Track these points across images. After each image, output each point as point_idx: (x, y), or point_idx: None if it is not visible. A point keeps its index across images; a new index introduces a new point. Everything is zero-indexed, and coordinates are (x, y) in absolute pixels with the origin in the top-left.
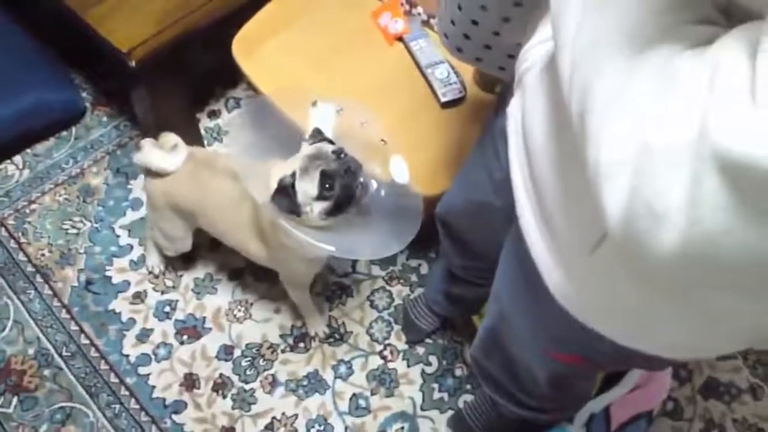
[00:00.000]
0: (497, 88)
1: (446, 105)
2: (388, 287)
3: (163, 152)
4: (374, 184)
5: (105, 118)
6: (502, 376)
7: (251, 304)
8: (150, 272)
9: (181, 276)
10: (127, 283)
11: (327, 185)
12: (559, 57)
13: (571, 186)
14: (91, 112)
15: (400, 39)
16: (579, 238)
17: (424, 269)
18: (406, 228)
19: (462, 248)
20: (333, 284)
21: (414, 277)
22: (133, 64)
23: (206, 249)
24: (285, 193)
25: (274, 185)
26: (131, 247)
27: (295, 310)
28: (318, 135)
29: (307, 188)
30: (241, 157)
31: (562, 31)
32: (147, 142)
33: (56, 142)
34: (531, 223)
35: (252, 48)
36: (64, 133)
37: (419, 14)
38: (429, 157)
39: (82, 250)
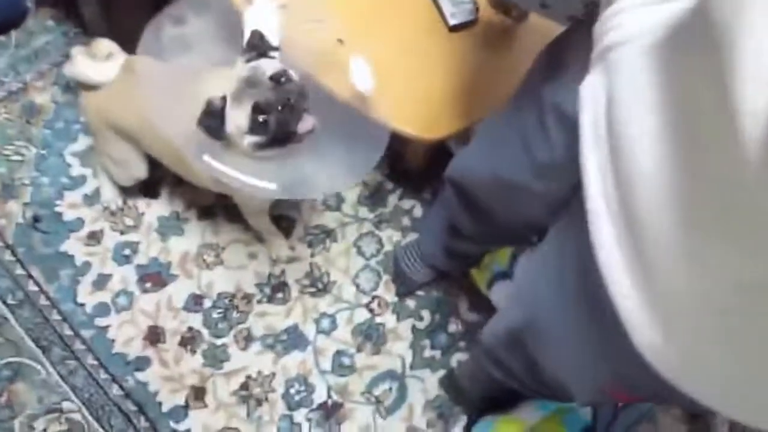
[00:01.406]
0: (515, 11)
1: (455, 28)
2: (377, 232)
3: (95, 62)
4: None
5: (50, 23)
6: (522, 372)
7: (223, 249)
8: (106, 208)
9: (142, 214)
10: (81, 221)
11: (260, 120)
12: None
13: (703, 224)
14: (34, 15)
15: None
16: (704, 294)
17: (418, 212)
18: (365, 156)
19: (477, 215)
20: (315, 227)
21: (406, 221)
22: None
23: (172, 183)
24: (212, 117)
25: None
26: (84, 178)
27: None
28: (257, 45)
29: (237, 118)
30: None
31: None
32: (77, 51)
33: None
34: (614, 255)
35: None
36: (2, 38)
37: None
38: (432, 92)
39: (27, 181)
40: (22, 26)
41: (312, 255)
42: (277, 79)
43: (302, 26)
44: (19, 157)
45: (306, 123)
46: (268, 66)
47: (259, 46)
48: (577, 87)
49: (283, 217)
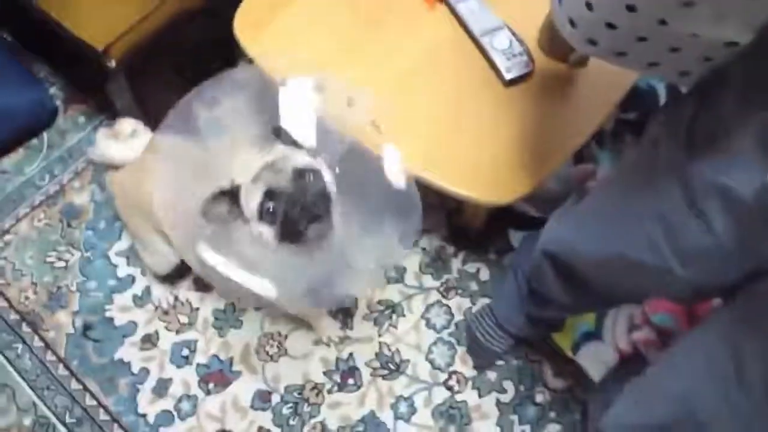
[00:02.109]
0: (573, 57)
1: (511, 83)
2: (444, 300)
3: (119, 141)
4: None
5: (82, 119)
6: None
7: (285, 337)
8: (158, 307)
9: (197, 309)
10: (134, 325)
11: (268, 208)
12: None
13: None
14: (64, 112)
15: (442, 0)
16: None
17: (485, 274)
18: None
19: (579, 288)
20: (378, 303)
21: (474, 285)
22: (112, 64)
23: None
24: (225, 198)
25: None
26: (132, 278)
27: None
28: (280, 136)
29: (251, 202)
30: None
31: None
32: (100, 133)
33: (26, 154)
34: None
35: (258, 26)
36: (35, 141)
37: None
38: (494, 152)
39: (74, 288)
40: (53, 126)
41: (379, 334)
42: (299, 172)
43: (337, 108)
44: (62, 263)
45: (318, 229)
46: (299, 159)
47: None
48: (755, 166)
49: None
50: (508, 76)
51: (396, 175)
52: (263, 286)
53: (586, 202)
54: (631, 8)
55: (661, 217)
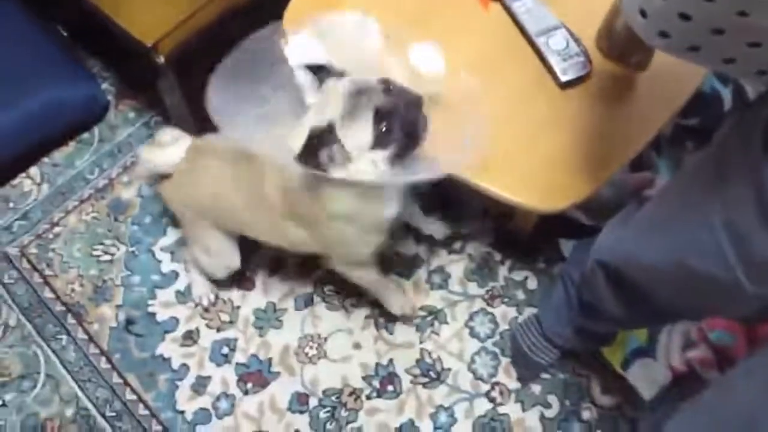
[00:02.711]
0: (634, 58)
1: (567, 85)
2: (489, 309)
3: (162, 150)
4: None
5: (132, 114)
6: None
7: (325, 339)
8: (199, 304)
9: (238, 308)
10: (176, 321)
11: (384, 128)
12: None
13: None
14: (115, 107)
15: (497, 0)
16: None
17: (532, 283)
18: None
19: (634, 301)
20: (421, 308)
21: (521, 294)
22: (161, 60)
23: (266, 273)
24: (320, 145)
25: (300, 140)
26: (176, 274)
27: (379, 342)
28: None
29: (356, 136)
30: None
31: None
32: (142, 150)
33: (77, 148)
34: None
35: (308, 24)
36: (86, 135)
37: None
38: (548, 157)
39: (118, 282)
40: (104, 121)
41: (421, 340)
42: (386, 83)
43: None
44: (108, 257)
45: (424, 121)
46: (364, 78)
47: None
48: None
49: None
50: (564, 78)
51: (431, 61)
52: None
53: (645, 209)
54: None
55: (730, 224)
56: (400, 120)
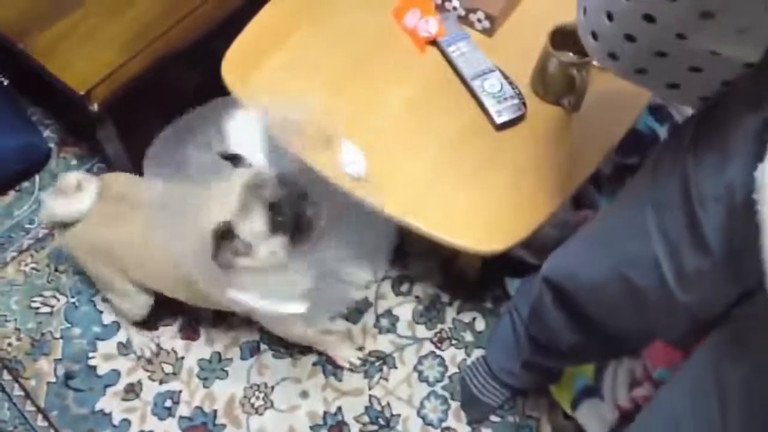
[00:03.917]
0: (567, 100)
1: (503, 126)
2: (438, 352)
3: (68, 198)
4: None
5: (74, 162)
6: None
7: (272, 389)
8: (141, 357)
9: (182, 359)
10: (117, 374)
11: (278, 219)
12: None
13: None
14: (57, 154)
15: (433, 43)
16: None
17: (480, 324)
18: (378, 243)
19: (581, 323)
20: (369, 354)
21: (469, 336)
22: (94, 107)
23: (210, 322)
24: (226, 247)
25: (209, 231)
26: (118, 325)
27: (327, 390)
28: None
29: (252, 226)
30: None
31: None
32: (45, 196)
33: (16, 197)
34: None
35: (247, 69)
36: (26, 184)
37: (455, 9)
38: (485, 198)
39: (58, 334)
40: (46, 168)
41: (370, 386)
42: (282, 177)
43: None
44: (48, 309)
45: (312, 208)
46: (263, 170)
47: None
48: (748, 161)
49: None
50: (499, 120)
51: (354, 166)
52: (292, 307)
53: (588, 226)
54: (649, 18)
55: (663, 232)
56: (289, 210)
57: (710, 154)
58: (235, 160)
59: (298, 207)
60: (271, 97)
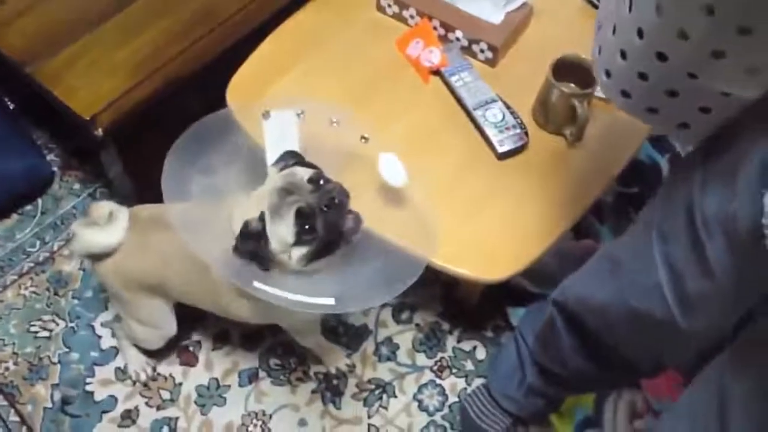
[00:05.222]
0: (569, 130)
1: (505, 155)
2: (438, 380)
3: (100, 228)
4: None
5: (77, 185)
6: None
7: (270, 416)
8: (137, 381)
9: (180, 385)
10: (114, 400)
11: (306, 226)
12: None
13: None
14: (60, 178)
15: (436, 73)
16: None
17: (481, 353)
18: (405, 266)
19: (593, 350)
20: (368, 382)
21: (469, 365)
22: (99, 132)
23: (209, 347)
24: (251, 240)
25: (236, 230)
26: (116, 350)
27: (326, 418)
28: (289, 158)
29: (281, 232)
30: (182, 203)
31: None
32: (76, 226)
33: (18, 220)
34: None
35: (251, 96)
36: (28, 207)
37: (458, 40)
38: (486, 227)
39: (55, 359)
40: (49, 191)
41: (369, 415)
42: (315, 181)
43: (323, 129)
44: (46, 333)
45: (351, 221)
46: (302, 171)
47: (289, 160)
48: (754, 191)
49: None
50: (501, 149)
51: (395, 176)
52: (320, 301)
53: (598, 253)
54: (661, 57)
55: (667, 258)
56: (321, 220)
57: (717, 180)
58: (287, 158)
59: (332, 216)
60: (306, 101)
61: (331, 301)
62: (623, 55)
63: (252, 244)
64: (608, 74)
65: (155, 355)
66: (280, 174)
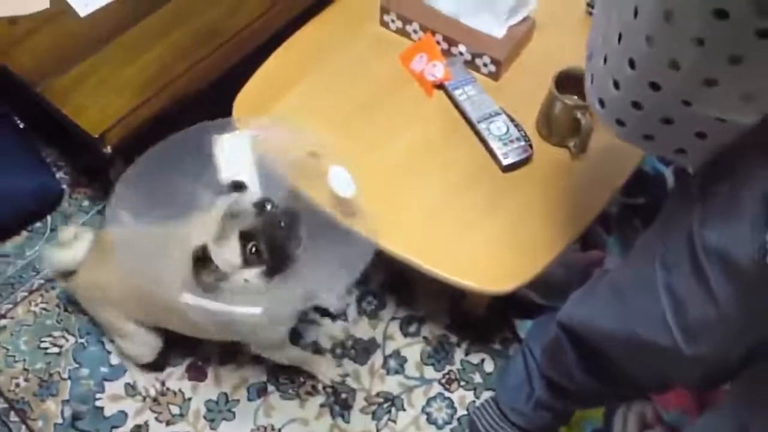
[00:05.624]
0: (573, 142)
1: (509, 168)
2: (446, 393)
3: (66, 249)
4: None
5: (86, 203)
6: None
7: (279, 431)
8: (145, 397)
9: (189, 399)
10: (124, 415)
11: (251, 249)
12: None
13: None
14: (69, 195)
15: (440, 87)
16: None
17: (489, 365)
18: (353, 259)
19: (600, 368)
20: (376, 395)
21: (478, 377)
22: (108, 150)
23: (218, 362)
24: (207, 269)
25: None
26: (125, 366)
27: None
28: (237, 187)
29: (227, 255)
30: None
31: None
32: (45, 250)
33: (28, 237)
34: None
35: (257, 112)
36: (38, 224)
37: (461, 54)
38: (492, 239)
39: (65, 375)
40: (58, 209)
41: (378, 429)
42: (260, 206)
43: (280, 145)
44: (56, 349)
45: (300, 246)
46: (249, 196)
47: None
48: (756, 225)
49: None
50: (505, 162)
51: (345, 186)
52: (248, 311)
53: (605, 278)
54: (654, 86)
55: (669, 288)
56: (265, 242)
57: (716, 214)
58: (238, 187)
59: (277, 238)
60: (261, 120)
61: (257, 310)
62: (616, 85)
63: (209, 274)
64: (602, 103)
65: (164, 371)
66: (225, 200)
